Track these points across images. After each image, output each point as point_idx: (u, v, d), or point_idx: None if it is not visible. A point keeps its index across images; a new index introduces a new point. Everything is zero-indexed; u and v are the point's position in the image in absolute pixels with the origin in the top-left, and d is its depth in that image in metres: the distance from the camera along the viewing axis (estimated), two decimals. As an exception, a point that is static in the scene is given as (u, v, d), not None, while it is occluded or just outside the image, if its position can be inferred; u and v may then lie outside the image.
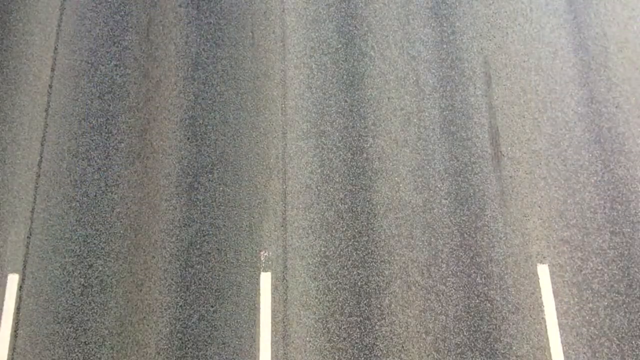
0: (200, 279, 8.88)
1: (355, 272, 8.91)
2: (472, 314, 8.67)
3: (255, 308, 8.73)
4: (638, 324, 8.63)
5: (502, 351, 8.46)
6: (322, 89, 10.11)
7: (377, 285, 8.83)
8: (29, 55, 10.35)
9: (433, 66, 10.27)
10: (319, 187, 9.44)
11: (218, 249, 9.04)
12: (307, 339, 8.54)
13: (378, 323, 8.62)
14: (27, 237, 9.12)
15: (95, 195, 9.37)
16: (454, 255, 9.01)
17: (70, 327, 8.60)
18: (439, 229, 9.17)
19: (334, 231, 9.15)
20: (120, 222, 9.21)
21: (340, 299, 8.76)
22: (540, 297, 8.77)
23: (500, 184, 9.46)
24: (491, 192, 9.40)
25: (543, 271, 8.92)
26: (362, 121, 9.87)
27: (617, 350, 8.48)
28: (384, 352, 8.45)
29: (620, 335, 8.57)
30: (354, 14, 10.69)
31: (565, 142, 9.76)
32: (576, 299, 8.78)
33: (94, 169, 9.55)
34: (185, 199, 9.35)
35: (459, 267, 8.93)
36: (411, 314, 8.67)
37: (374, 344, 8.51)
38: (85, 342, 8.51)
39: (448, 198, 9.36)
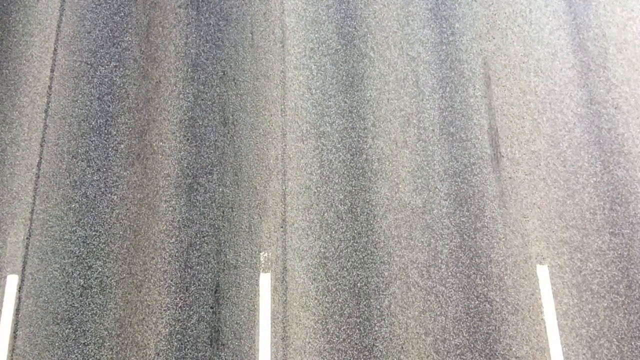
0: (199, 279, 8.87)
1: (354, 273, 8.91)
2: (472, 315, 8.67)
3: (254, 309, 8.73)
4: (637, 325, 8.63)
5: (502, 352, 8.45)
6: (321, 90, 10.11)
7: (377, 287, 8.83)
8: (29, 56, 10.35)
9: (432, 67, 10.27)
10: (318, 188, 9.44)
11: (217, 250, 9.04)
12: (307, 340, 8.54)
13: (378, 324, 8.62)
14: (27, 238, 9.11)
15: (95, 197, 9.36)
16: (454, 256, 9.01)
17: (70, 328, 8.59)
18: (438, 230, 9.17)
19: (333, 232, 9.15)
20: (120, 223, 9.21)
21: (340, 300, 8.76)
22: (540, 298, 8.77)
23: (500, 185, 9.46)
24: (490, 193, 9.40)
25: (542, 272, 8.92)
26: (362, 122, 9.88)
27: (617, 352, 8.48)
28: (384, 353, 8.45)
29: (619, 336, 8.57)
30: (354, 15, 10.69)
31: (564, 143, 9.76)
32: (576, 300, 8.78)
33: (93, 170, 9.54)
34: (185, 200, 9.35)
35: (459, 268, 8.93)
36: (411, 315, 8.66)
37: (373, 345, 8.51)
38: (84, 343, 8.51)
39: (447, 199, 9.36)
